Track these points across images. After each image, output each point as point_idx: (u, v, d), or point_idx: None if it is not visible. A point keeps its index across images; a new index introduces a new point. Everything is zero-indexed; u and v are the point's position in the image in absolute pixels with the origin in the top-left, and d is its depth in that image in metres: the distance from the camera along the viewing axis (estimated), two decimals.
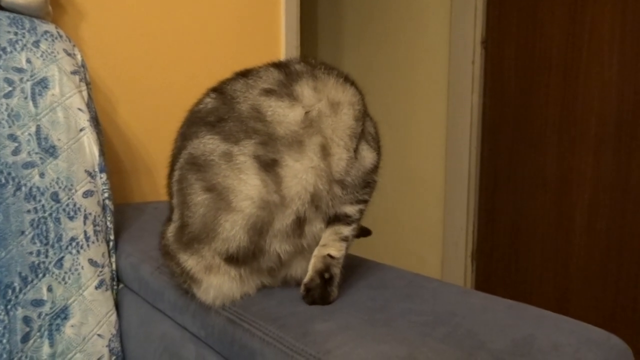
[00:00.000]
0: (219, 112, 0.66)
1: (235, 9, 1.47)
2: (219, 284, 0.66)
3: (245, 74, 0.70)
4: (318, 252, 0.67)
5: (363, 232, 0.91)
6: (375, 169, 0.71)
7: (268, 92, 0.66)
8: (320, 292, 0.65)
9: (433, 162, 2.14)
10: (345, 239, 0.68)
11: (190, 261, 0.66)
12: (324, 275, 0.65)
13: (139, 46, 1.32)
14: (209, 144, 0.64)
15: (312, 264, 0.67)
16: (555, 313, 0.61)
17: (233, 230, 0.62)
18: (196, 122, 0.68)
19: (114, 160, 1.25)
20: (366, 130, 0.71)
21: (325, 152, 0.64)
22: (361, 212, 0.70)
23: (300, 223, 0.65)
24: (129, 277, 0.95)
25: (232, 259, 0.64)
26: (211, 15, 1.43)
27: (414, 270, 0.77)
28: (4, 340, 0.81)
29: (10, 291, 0.82)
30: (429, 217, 2.17)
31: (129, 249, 0.97)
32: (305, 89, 0.67)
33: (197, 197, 0.64)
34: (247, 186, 0.62)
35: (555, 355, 0.52)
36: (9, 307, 0.82)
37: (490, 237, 2.04)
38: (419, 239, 2.21)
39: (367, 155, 0.70)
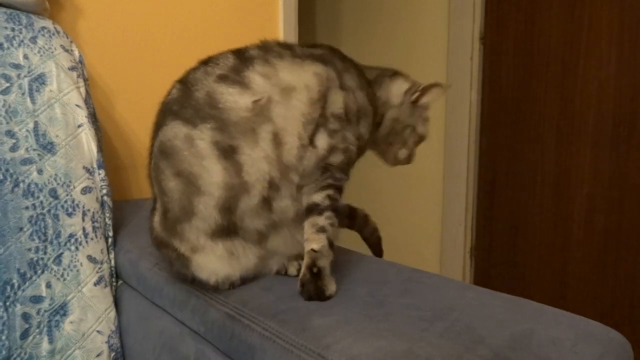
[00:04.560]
0: (181, 100, 0.69)
1: (233, 4, 1.47)
2: (205, 262, 0.69)
3: (206, 62, 0.72)
4: (305, 248, 0.68)
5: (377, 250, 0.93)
6: (331, 151, 0.69)
7: (221, 79, 0.68)
8: (313, 286, 0.65)
9: (432, 158, 2.14)
10: (322, 230, 0.67)
11: (182, 246, 0.69)
12: (313, 270, 0.66)
13: (137, 42, 1.32)
14: (173, 128, 0.68)
15: (304, 260, 0.68)
16: (553, 307, 0.61)
17: (207, 211, 0.66)
18: (164, 111, 0.71)
19: (112, 156, 1.25)
20: (329, 112, 0.69)
21: (277, 140, 0.66)
22: (330, 197, 0.68)
23: (267, 201, 0.67)
24: (127, 274, 0.95)
25: (214, 236, 0.67)
26: (209, 10, 1.43)
27: (413, 266, 0.77)
28: (3, 337, 0.81)
29: (9, 288, 0.82)
30: (428, 213, 2.17)
31: (128, 245, 0.97)
32: (255, 76, 0.67)
33: (169, 183, 0.68)
34: (210, 172, 0.65)
35: (553, 350, 0.52)
36: (7, 303, 0.82)
37: (489, 233, 2.04)
38: (417, 235, 2.21)
39: (320, 142, 0.68)
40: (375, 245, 0.92)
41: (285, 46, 0.73)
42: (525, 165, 1.90)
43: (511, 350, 0.52)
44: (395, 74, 0.83)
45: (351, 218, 0.91)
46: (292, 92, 0.67)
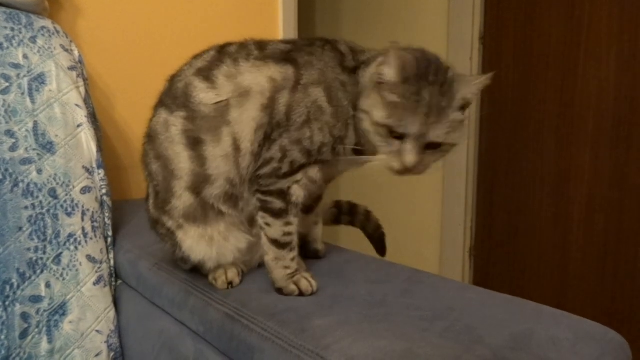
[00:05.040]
0: (167, 90, 0.75)
1: (233, 4, 1.47)
2: (185, 239, 0.73)
3: (196, 55, 0.75)
4: None
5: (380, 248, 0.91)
6: (266, 163, 0.68)
7: (198, 72, 0.71)
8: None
9: None
10: (260, 227, 0.70)
11: (170, 222, 0.74)
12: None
13: (136, 41, 1.32)
14: (158, 115, 0.74)
15: None
16: (553, 308, 0.61)
17: (180, 191, 0.71)
18: (156, 104, 0.77)
19: (111, 156, 1.25)
20: (274, 121, 0.67)
21: (236, 145, 0.68)
22: (259, 200, 0.69)
23: (232, 196, 0.71)
24: (127, 273, 0.95)
25: (187, 219, 0.72)
26: (208, 10, 1.43)
27: (412, 266, 0.77)
28: (2, 337, 0.81)
29: (8, 287, 0.82)
30: (428, 213, 2.17)
31: (127, 245, 0.97)
32: (220, 76, 0.69)
33: (153, 166, 0.74)
34: (180, 158, 0.71)
35: (553, 350, 0.52)
36: (7, 303, 0.82)
37: (488, 233, 2.04)
38: (417, 235, 2.21)
39: (263, 153, 0.68)
40: (379, 242, 0.91)
41: (259, 45, 0.72)
42: (525, 165, 1.90)
43: (511, 350, 0.52)
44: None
45: (351, 214, 0.90)
46: (247, 97, 0.68)
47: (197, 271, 0.78)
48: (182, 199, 0.71)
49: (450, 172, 2.07)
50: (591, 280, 1.75)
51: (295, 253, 0.69)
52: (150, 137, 0.74)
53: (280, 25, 1.55)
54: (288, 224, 0.68)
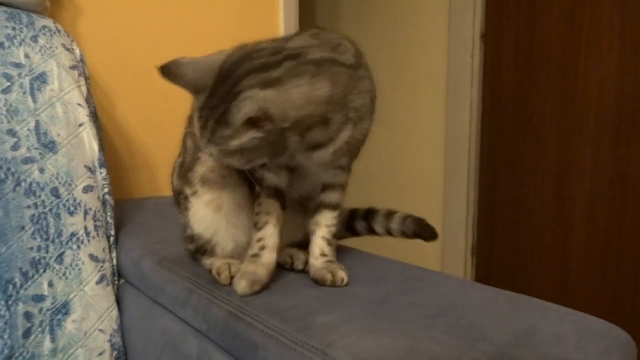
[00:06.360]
0: None
1: (234, 3, 1.47)
2: (197, 210, 0.76)
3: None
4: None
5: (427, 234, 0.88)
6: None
7: None
8: None
9: (432, 157, 2.13)
10: None
11: (187, 189, 0.77)
12: None
13: (138, 40, 1.32)
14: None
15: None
16: (557, 305, 0.61)
17: (205, 157, 0.74)
18: None
19: (113, 155, 1.25)
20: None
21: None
22: None
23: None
24: (129, 272, 0.95)
25: (206, 181, 0.75)
26: (209, 8, 1.42)
27: (414, 264, 0.77)
28: (5, 336, 0.81)
29: (11, 287, 0.82)
30: (429, 211, 2.16)
31: (130, 244, 0.97)
32: None
33: (188, 141, 0.79)
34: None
35: (557, 346, 0.52)
36: (9, 302, 0.82)
37: (490, 231, 2.04)
38: None
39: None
40: (416, 228, 0.89)
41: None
42: (526, 163, 1.89)
43: (514, 347, 0.52)
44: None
45: (368, 218, 0.88)
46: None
47: (200, 267, 0.78)
48: (206, 164, 0.74)
49: (451, 170, 2.07)
50: (593, 278, 1.75)
51: (260, 235, 0.70)
52: (191, 117, 0.77)
53: (280, 23, 1.55)
54: (259, 204, 0.71)
